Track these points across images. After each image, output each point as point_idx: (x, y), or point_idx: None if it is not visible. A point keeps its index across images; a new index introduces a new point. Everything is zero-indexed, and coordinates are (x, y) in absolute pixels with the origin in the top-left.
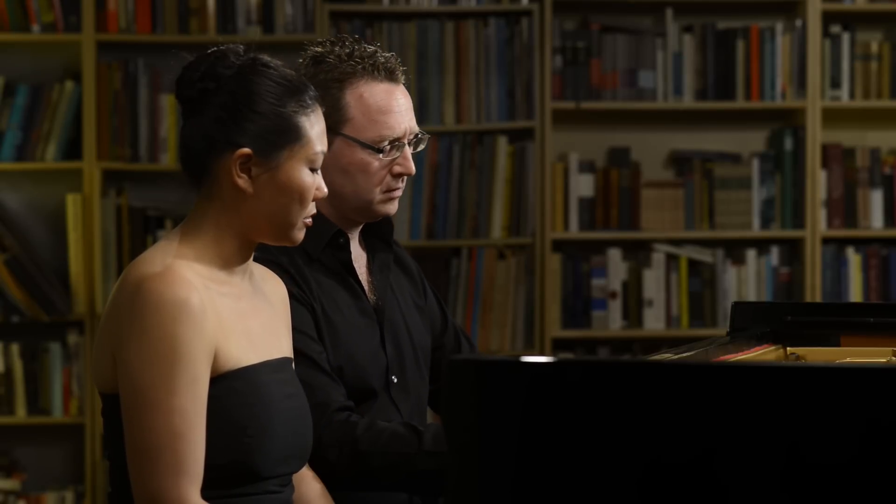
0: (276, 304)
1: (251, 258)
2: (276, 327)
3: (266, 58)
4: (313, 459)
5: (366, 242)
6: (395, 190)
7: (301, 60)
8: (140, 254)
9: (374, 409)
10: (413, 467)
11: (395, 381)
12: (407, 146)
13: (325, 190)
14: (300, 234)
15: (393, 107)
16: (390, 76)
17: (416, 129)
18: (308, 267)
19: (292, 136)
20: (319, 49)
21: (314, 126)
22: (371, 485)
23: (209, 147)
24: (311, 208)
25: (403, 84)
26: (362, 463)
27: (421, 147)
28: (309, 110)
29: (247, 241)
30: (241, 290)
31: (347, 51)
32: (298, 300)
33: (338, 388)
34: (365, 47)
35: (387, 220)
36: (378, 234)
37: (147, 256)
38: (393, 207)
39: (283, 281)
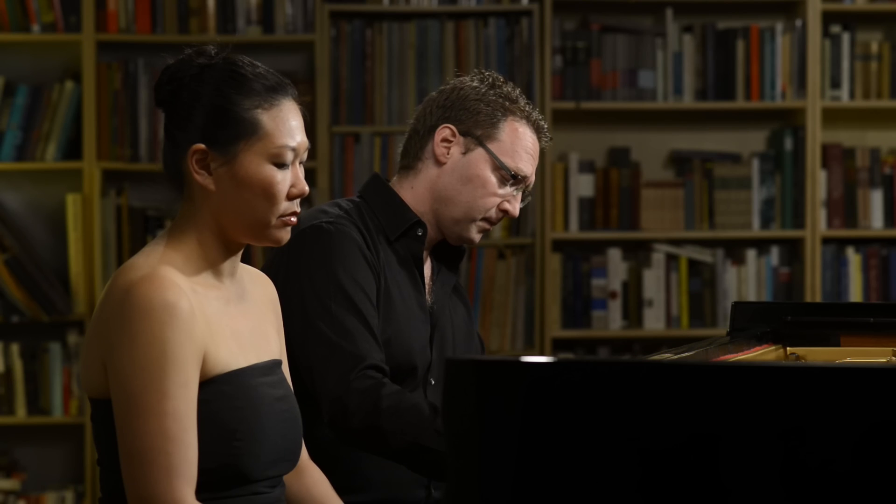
0: (265, 305)
1: (238, 259)
2: (264, 329)
3: (238, 57)
4: (333, 408)
5: (435, 261)
6: (491, 225)
7: (474, 77)
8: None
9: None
10: (417, 439)
11: (433, 383)
12: (520, 192)
13: (307, 188)
14: (281, 234)
15: (532, 154)
16: (538, 133)
17: (531, 186)
18: (384, 246)
19: (247, 129)
20: (498, 82)
21: (278, 121)
22: (379, 444)
23: (174, 148)
24: (291, 206)
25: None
26: (377, 420)
27: (522, 204)
28: (269, 105)
29: (229, 242)
30: (228, 292)
31: (515, 94)
32: (368, 263)
33: (378, 351)
34: (527, 100)
35: (461, 250)
36: (448, 258)
37: (134, 262)
38: (478, 237)
39: (358, 243)
